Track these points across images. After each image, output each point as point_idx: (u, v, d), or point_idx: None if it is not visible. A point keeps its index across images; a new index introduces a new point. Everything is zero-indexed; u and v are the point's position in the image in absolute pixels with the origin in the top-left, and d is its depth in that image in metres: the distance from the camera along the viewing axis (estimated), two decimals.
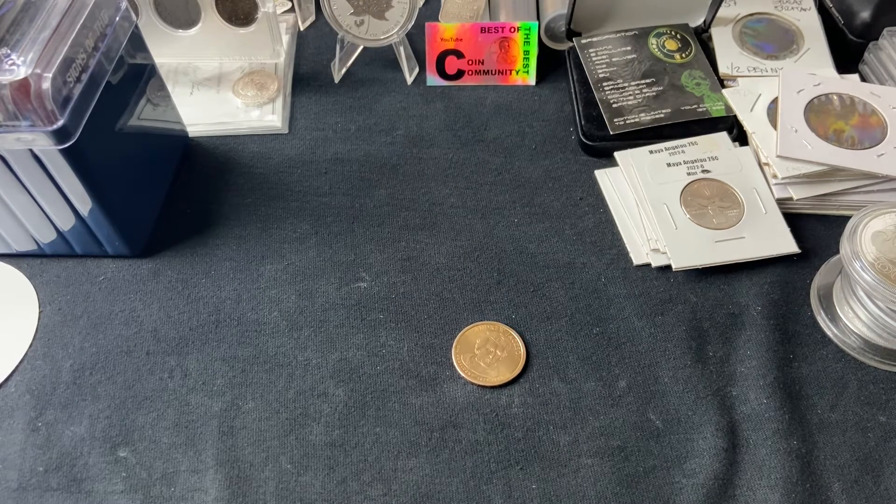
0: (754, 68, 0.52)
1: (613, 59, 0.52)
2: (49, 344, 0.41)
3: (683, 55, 0.53)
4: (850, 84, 0.48)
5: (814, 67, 0.51)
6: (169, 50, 0.54)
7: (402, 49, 0.54)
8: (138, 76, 0.44)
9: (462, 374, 0.38)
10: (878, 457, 0.35)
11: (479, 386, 0.38)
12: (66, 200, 0.40)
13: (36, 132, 0.35)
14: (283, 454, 0.36)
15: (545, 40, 0.56)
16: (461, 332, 0.40)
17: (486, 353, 0.39)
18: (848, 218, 0.38)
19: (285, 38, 0.57)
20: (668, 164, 0.46)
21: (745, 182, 0.45)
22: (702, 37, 0.54)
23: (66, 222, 0.41)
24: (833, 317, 0.40)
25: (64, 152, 0.36)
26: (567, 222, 0.46)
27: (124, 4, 0.41)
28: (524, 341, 0.40)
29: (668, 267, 0.42)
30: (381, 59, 0.56)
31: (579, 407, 0.37)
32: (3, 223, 0.42)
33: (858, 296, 0.38)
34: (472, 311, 0.41)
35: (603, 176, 0.48)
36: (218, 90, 0.54)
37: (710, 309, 0.41)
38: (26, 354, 0.40)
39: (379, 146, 0.50)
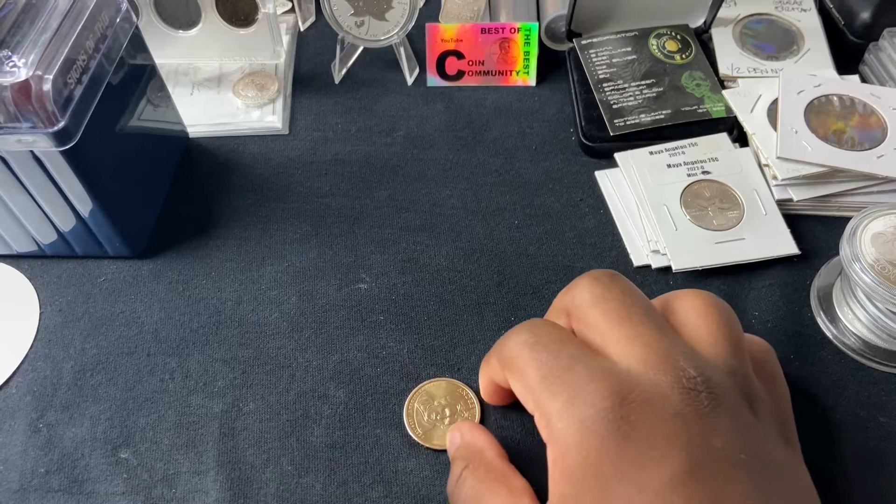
0: (755, 69, 0.52)
1: (614, 60, 0.52)
2: (50, 345, 0.41)
3: (684, 56, 0.53)
4: (850, 85, 0.48)
5: (814, 68, 0.51)
6: (169, 50, 0.54)
7: (402, 50, 0.54)
8: (139, 77, 0.44)
9: (411, 434, 0.36)
10: (878, 457, 0.35)
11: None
12: (66, 201, 0.40)
13: (37, 134, 0.35)
14: (284, 456, 0.36)
15: (545, 41, 0.56)
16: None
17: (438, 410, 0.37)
18: (848, 219, 0.38)
19: (285, 39, 0.57)
20: (669, 166, 0.46)
21: (745, 183, 0.45)
22: (702, 37, 0.54)
23: (66, 223, 0.41)
24: (833, 318, 0.40)
25: (65, 154, 0.36)
26: (567, 224, 0.46)
27: (125, 5, 0.41)
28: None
29: (668, 268, 0.42)
30: (381, 60, 0.56)
31: None
32: (3, 224, 0.42)
33: (858, 297, 0.38)
34: (472, 313, 0.41)
35: (603, 177, 0.48)
36: (218, 91, 0.54)
37: None
38: (27, 356, 0.40)
39: (379, 147, 0.50)
